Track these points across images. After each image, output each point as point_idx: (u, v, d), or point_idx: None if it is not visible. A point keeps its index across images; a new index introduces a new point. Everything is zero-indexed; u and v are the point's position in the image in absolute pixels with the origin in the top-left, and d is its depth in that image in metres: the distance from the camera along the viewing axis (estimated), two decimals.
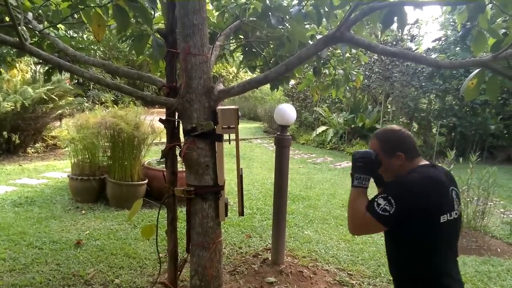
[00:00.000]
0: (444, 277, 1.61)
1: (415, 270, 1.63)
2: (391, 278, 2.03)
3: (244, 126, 15.04)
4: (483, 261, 4.04)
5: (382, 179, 1.80)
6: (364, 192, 1.67)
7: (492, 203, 5.06)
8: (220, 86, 2.07)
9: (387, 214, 1.53)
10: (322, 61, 3.60)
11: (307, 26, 3.18)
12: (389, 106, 11.79)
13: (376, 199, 1.58)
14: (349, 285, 3.37)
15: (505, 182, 7.85)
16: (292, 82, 12.74)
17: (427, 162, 1.70)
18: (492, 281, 3.60)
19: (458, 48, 11.02)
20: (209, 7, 3.15)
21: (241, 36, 3.25)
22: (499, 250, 4.42)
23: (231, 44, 3.42)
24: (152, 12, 2.55)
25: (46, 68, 3.00)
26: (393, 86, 10.81)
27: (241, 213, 2.23)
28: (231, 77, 20.54)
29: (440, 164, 4.75)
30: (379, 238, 4.43)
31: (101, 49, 12.53)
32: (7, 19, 2.58)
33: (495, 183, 4.88)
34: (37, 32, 2.57)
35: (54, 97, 7.81)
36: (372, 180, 1.81)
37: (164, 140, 2.34)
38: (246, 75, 17.59)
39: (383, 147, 1.70)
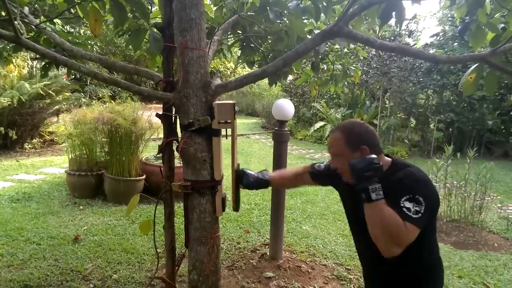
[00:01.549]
0: (442, 265, 1.65)
1: (423, 262, 1.57)
2: None
3: (242, 122, 15.02)
4: (480, 255, 4.06)
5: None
6: (385, 202, 1.42)
7: (489, 198, 5.08)
8: (217, 81, 2.06)
9: (420, 215, 1.39)
10: (320, 56, 3.59)
11: (305, 21, 3.17)
12: (387, 102, 11.79)
13: (400, 204, 1.41)
14: (347, 279, 3.38)
15: (502, 177, 7.88)
16: (290, 77, 12.72)
17: (390, 156, 1.65)
18: (489, 275, 3.62)
19: (456, 44, 11.02)
20: (207, 1, 3.14)
21: (239, 31, 3.23)
22: (496, 244, 4.44)
23: (229, 39, 3.41)
24: (149, 7, 2.54)
25: (43, 63, 2.98)
26: (391, 82, 10.82)
27: (235, 208, 2.21)
28: (229, 73, 20.47)
29: (437, 160, 4.78)
30: None
31: (98, 44, 12.46)
32: (3, 13, 2.56)
33: (492, 178, 4.90)
34: (33, 26, 2.55)
35: (51, 92, 7.77)
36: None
37: (162, 135, 2.33)
38: (244, 71, 17.54)
39: (347, 140, 1.57)
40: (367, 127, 1.61)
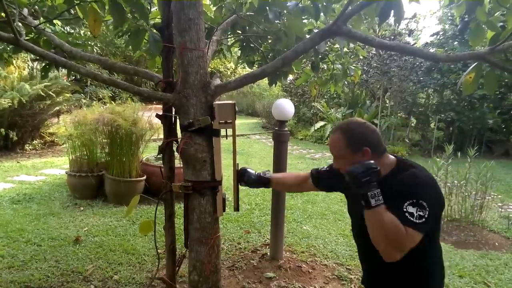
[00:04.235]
0: (443, 269, 1.63)
1: (425, 264, 1.55)
2: None
3: (242, 122, 15.02)
4: (481, 255, 4.05)
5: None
6: (385, 208, 1.40)
7: (490, 198, 5.08)
8: (217, 81, 2.06)
9: (424, 220, 1.37)
10: (320, 56, 3.59)
11: (304, 20, 3.17)
12: (387, 101, 11.79)
13: (403, 209, 1.38)
14: (347, 279, 3.38)
15: (503, 176, 7.87)
16: (290, 77, 12.72)
17: (395, 156, 1.61)
18: (490, 274, 3.61)
19: (456, 42, 11.01)
20: (206, 1, 3.13)
21: (239, 31, 3.23)
22: (497, 244, 4.44)
23: (228, 39, 3.41)
24: (149, 7, 2.54)
25: (43, 64, 2.98)
26: (391, 81, 10.81)
27: (236, 208, 2.22)
28: (229, 73, 20.48)
29: (438, 160, 4.77)
30: None
31: (98, 45, 12.46)
32: (2, 14, 2.56)
33: (493, 178, 4.90)
34: (33, 28, 2.55)
35: (52, 93, 7.77)
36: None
37: (162, 136, 2.33)
38: (244, 71, 17.55)
39: (348, 141, 1.53)
40: (368, 126, 1.57)
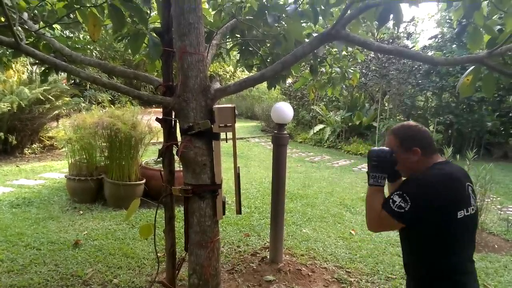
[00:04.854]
0: (461, 274, 1.61)
1: (432, 268, 1.61)
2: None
3: (241, 125, 15.03)
4: (480, 257, 4.05)
5: (395, 174, 1.81)
6: (381, 190, 1.69)
7: (489, 200, 5.08)
8: (217, 85, 2.07)
9: (402, 211, 1.55)
10: (318, 60, 3.60)
11: (303, 24, 3.19)
12: (386, 104, 11.81)
13: (391, 197, 1.60)
14: (347, 282, 3.38)
15: (502, 178, 7.88)
16: (289, 80, 12.73)
17: (444, 159, 1.71)
18: (489, 277, 3.62)
19: (454, 46, 11.02)
20: (206, 6, 3.15)
21: (238, 35, 3.25)
22: (496, 246, 4.44)
23: (227, 43, 3.42)
24: (148, 11, 2.55)
25: (43, 68, 2.99)
26: (390, 84, 10.83)
27: (239, 211, 2.23)
28: (228, 76, 20.51)
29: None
30: (376, 235, 4.45)
31: (98, 49, 12.48)
32: (2, 19, 2.57)
33: (492, 180, 4.90)
34: (32, 32, 2.56)
35: (51, 97, 7.77)
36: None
37: (161, 139, 2.34)
38: (243, 74, 17.57)
39: (400, 142, 1.71)
40: (420, 129, 1.72)
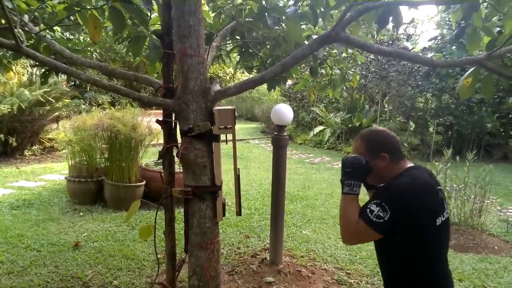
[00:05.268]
0: (442, 280, 1.61)
1: (413, 277, 1.58)
2: None
3: (241, 127, 15.04)
4: (480, 258, 4.05)
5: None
6: (356, 199, 1.61)
7: (489, 201, 5.08)
8: (217, 87, 2.08)
9: (381, 221, 1.48)
10: (318, 61, 3.61)
11: (303, 26, 3.20)
12: (386, 106, 11.82)
13: (368, 206, 1.52)
14: (347, 284, 3.38)
15: (501, 180, 7.88)
16: (289, 82, 12.75)
17: (412, 164, 1.67)
18: (489, 278, 3.62)
19: (454, 47, 11.04)
20: (205, 8, 3.16)
21: (238, 37, 3.26)
22: (496, 247, 4.44)
23: (227, 45, 3.43)
24: (149, 14, 2.56)
25: (43, 70, 2.99)
26: (390, 86, 10.85)
27: (239, 212, 2.23)
28: (228, 78, 20.53)
29: (436, 164, 4.78)
30: None
31: (98, 51, 12.49)
32: (3, 21, 2.58)
33: (491, 181, 4.90)
34: (33, 34, 2.57)
35: (51, 99, 7.79)
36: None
37: (162, 141, 2.35)
38: (243, 76, 17.58)
39: (367, 147, 1.66)
40: (388, 134, 1.69)
